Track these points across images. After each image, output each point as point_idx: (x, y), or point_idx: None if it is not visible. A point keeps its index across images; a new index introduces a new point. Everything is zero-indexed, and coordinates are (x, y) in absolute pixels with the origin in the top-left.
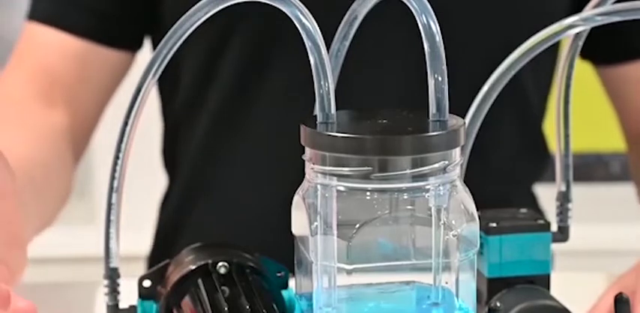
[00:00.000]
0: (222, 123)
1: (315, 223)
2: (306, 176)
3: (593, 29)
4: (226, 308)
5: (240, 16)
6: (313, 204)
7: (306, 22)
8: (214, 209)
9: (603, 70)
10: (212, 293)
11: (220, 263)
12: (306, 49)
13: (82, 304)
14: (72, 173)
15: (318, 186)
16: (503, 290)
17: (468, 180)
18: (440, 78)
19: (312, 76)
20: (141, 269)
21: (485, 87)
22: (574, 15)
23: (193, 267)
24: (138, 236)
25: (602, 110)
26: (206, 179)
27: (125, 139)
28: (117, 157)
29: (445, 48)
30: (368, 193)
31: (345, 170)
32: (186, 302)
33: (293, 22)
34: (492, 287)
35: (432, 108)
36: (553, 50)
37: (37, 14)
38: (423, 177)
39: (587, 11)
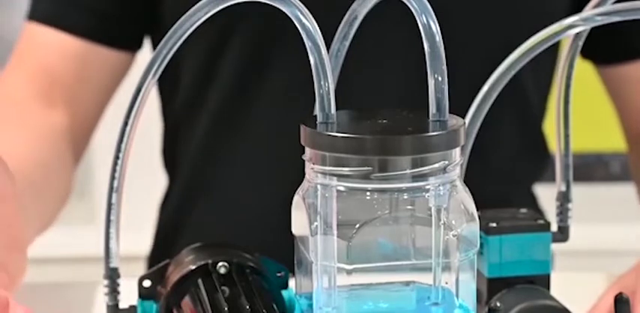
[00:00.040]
0: (222, 123)
1: (315, 223)
2: (306, 176)
3: (593, 29)
4: (226, 308)
5: (240, 16)
6: (313, 204)
7: (306, 22)
8: (214, 209)
9: (604, 70)
10: (212, 293)
11: (220, 263)
12: (306, 49)
13: (82, 304)
14: (72, 173)
15: (318, 186)
16: (503, 290)
17: (468, 180)
18: (440, 78)
19: (312, 76)
20: (141, 269)
21: (485, 87)
22: (574, 15)
23: (193, 267)
24: (138, 236)
25: (602, 110)
26: (206, 179)
27: (125, 139)
28: (117, 157)
29: (445, 48)
30: (368, 193)
31: (345, 170)
32: (186, 302)
33: (293, 22)
34: (492, 287)
35: (432, 108)
36: (553, 50)
37: (36, 14)
38: (423, 177)
39: (587, 11)
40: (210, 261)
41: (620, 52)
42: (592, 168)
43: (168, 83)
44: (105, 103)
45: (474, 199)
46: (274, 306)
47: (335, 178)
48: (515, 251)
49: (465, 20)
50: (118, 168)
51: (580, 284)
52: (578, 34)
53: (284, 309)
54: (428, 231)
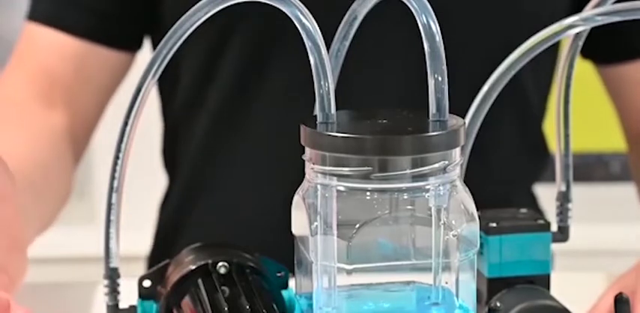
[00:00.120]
0: (222, 123)
1: (315, 223)
2: (306, 176)
3: (593, 29)
4: (226, 308)
5: (240, 16)
6: (313, 204)
7: (306, 22)
8: (214, 209)
9: (604, 70)
10: (212, 293)
11: (220, 263)
12: (306, 49)
13: (82, 304)
14: (72, 174)
15: (318, 186)
16: (503, 290)
17: (468, 180)
18: (440, 78)
19: (312, 76)
20: (141, 269)
21: (485, 87)
22: (574, 15)
23: (193, 267)
24: (138, 236)
25: (602, 110)
26: (206, 179)
27: (125, 139)
28: (117, 157)
29: (445, 48)
30: (368, 193)
31: (345, 170)
32: (186, 302)
33: (293, 22)
34: (492, 287)
35: (432, 108)
36: (553, 50)
37: (36, 15)
38: (423, 177)
39: (587, 11)
40: (210, 261)
41: (620, 52)
42: (592, 168)
43: (168, 83)
44: (105, 104)
45: (474, 199)
46: (274, 306)
47: (335, 178)
48: (515, 251)
49: (465, 20)
50: (118, 168)
51: (580, 284)
52: (578, 34)
53: (284, 309)
54: (428, 231)
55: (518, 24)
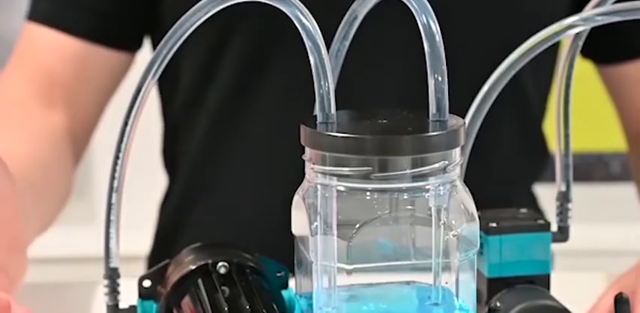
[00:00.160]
0: (222, 123)
1: (315, 223)
2: (306, 176)
3: (593, 29)
4: (226, 308)
5: (240, 16)
6: (313, 204)
7: (306, 22)
8: (214, 209)
9: (604, 69)
10: (212, 293)
11: (220, 263)
12: (306, 49)
13: (82, 304)
14: (71, 174)
15: (318, 186)
16: (503, 290)
17: (468, 180)
18: (440, 78)
19: (312, 76)
20: (141, 269)
21: (485, 87)
22: (574, 15)
23: (193, 267)
24: (138, 236)
25: (602, 110)
26: (206, 179)
27: (125, 139)
28: (117, 157)
29: (445, 48)
30: (368, 193)
31: (345, 170)
32: (186, 302)
33: (293, 22)
34: (492, 287)
35: (432, 108)
36: (553, 50)
37: (36, 15)
38: (423, 177)
39: (587, 11)
40: (210, 261)
41: (621, 52)
42: (592, 168)
43: (168, 83)
44: (105, 104)
45: (474, 199)
46: (274, 306)
47: (335, 178)
48: (515, 251)
49: (465, 20)
50: (118, 168)
51: (580, 284)
52: (578, 34)
53: (284, 309)
54: (428, 231)
55: (518, 24)
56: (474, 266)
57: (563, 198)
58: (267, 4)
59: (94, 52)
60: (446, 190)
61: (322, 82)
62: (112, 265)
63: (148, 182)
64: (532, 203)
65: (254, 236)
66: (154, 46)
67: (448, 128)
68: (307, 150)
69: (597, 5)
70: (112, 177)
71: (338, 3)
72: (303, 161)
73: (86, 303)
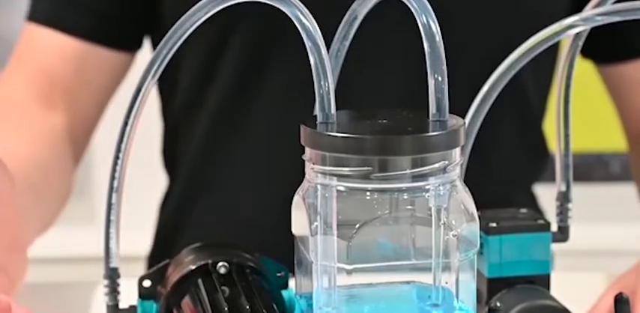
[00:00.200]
0: (222, 123)
1: (315, 223)
2: (306, 176)
3: (593, 29)
4: (226, 308)
5: (240, 16)
6: (313, 204)
7: (306, 22)
8: (214, 209)
9: (604, 69)
10: (212, 293)
11: (220, 263)
12: (306, 49)
13: (81, 304)
14: (71, 174)
15: (318, 186)
16: (503, 290)
17: (468, 180)
18: (440, 78)
19: (312, 76)
20: (141, 269)
21: (485, 87)
22: (574, 15)
23: (193, 267)
24: (138, 236)
25: (602, 110)
26: (206, 179)
27: (125, 139)
28: (117, 157)
29: (445, 48)
30: (368, 193)
31: (345, 170)
32: (186, 302)
33: (293, 22)
34: (492, 287)
35: (432, 108)
36: (553, 50)
37: (36, 15)
38: (423, 177)
39: (587, 11)
40: (210, 261)
41: (620, 52)
42: (592, 168)
43: (168, 83)
44: (104, 104)
45: (474, 199)
46: (274, 306)
47: (335, 178)
48: (515, 251)
49: (465, 20)
50: (118, 168)
51: (580, 284)
52: (578, 34)
53: (284, 309)
54: (428, 231)
55: (518, 24)
56: (474, 266)
57: (563, 198)
58: (267, 4)
59: (94, 52)
60: (446, 190)
61: (322, 82)
62: (112, 265)
63: (148, 182)
64: (532, 203)
65: (254, 237)
66: (154, 46)
67: (448, 128)
68: (307, 150)
69: (597, 5)
70: (112, 177)
71: (338, 3)
72: (303, 161)
73: (86, 303)
